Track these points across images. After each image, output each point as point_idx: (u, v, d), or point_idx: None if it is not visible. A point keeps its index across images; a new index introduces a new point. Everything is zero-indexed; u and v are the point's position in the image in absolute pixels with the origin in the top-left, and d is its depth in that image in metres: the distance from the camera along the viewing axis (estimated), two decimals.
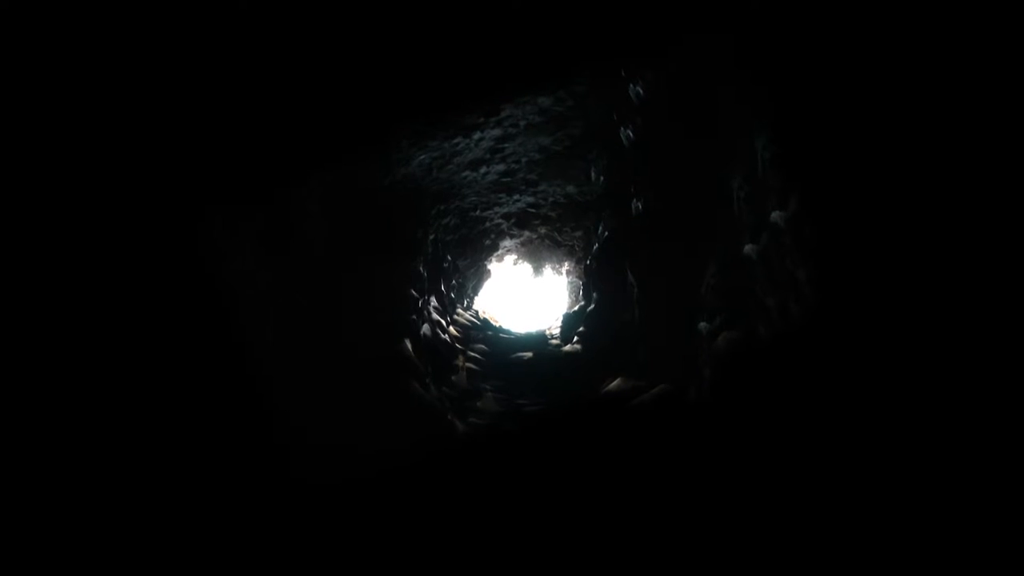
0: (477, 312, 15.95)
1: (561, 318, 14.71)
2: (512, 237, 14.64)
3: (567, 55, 6.80)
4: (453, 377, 8.60)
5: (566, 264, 16.78)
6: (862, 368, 3.59)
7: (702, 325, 5.55)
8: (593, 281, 11.45)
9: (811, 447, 3.82)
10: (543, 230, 14.18)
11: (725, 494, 4.00)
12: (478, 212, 12.33)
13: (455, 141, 8.63)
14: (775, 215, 4.72)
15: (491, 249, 15.18)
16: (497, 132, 8.75)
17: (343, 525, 4.30)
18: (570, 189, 11.62)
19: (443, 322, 10.21)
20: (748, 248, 5.12)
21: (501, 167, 10.15)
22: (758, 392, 4.31)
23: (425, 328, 8.66)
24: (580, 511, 4.31)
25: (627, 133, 8.04)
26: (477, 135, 8.71)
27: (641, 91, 7.54)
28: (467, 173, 9.87)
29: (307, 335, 5.20)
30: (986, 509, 2.51)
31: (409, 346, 6.95)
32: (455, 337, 10.72)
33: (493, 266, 17.12)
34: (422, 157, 8.72)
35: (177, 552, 3.58)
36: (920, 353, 3.15)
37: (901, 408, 3.22)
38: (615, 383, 7.63)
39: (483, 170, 9.99)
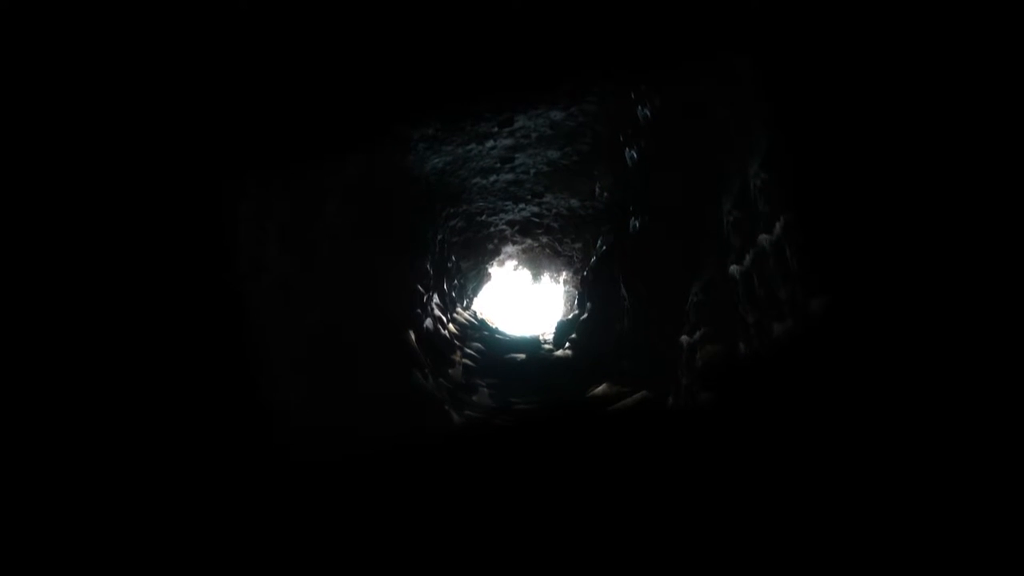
0: (475, 312, 16.16)
1: (555, 325, 14.93)
2: (514, 243, 14.85)
3: (581, 69, 7.06)
4: (450, 370, 8.84)
5: (564, 273, 16.94)
6: (836, 383, 3.81)
7: (683, 338, 5.84)
8: (588, 292, 11.68)
9: (777, 455, 4.06)
10: (545, 239, 14.40)
11: (691, 492, 4.26)
12: (484, 217, 12.54)
13: (468, 147, 8.84)
14: (762, 238, 4.99)
15: (493, 253, 15.38)
16: (509, 142, 8.93)
17: (342, 504, 4.45)
18: (573, 202, 11.84)
19: (444, 319, 10.46)
20: (733, 268, 5.40)
21: (510, 176, 10.36)
22: (730, 401, 4.58)
23: (428, 322, 8.91)
24: (562, 501, 4.55)
25: (631, 154, 8.32)
26: (490, 143, 8.91)
27: (648, 113, 7.78)
28: (477, 179, 10.10)
29: (322, 318, 5.46)
30: (954, 533, 2.53)
31: (413, 337, 7.22)
32: (453, 334, 10.96)
33: (494, 270, 17.28)
34: (436, 161, 8.96)
35: (181, 530, 3.68)
36: (893, 375, 3.32)
37: (867, 423, 3.43)
38: (601, 388, 7.90)
39: (492, 178, 10.22)
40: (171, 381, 4.02)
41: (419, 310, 8.45)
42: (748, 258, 5.19)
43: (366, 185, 6.67)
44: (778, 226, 4.86)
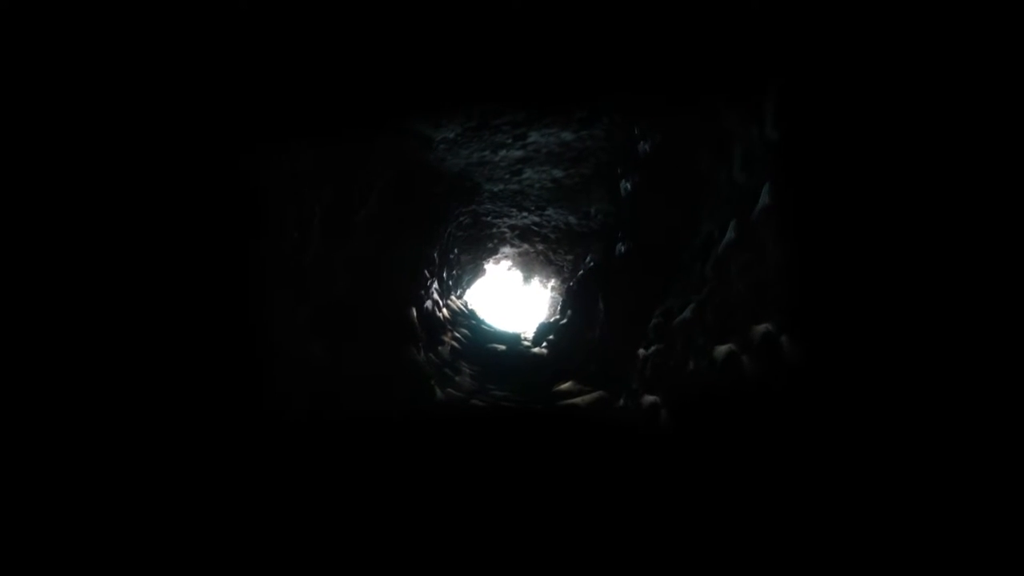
0: (466, 303, 16.54)
1: (536, 325, 15.31)
2: (512, 246, 15.29)
3: (597, 97, 7.44)
4: (439, 348, 9.38)
5: (553, 281, 17.29)
6: (764, 394, 4.14)
7: (640, 351, 6.47)
8: (571, 300, 12.04)
9: (701, 450, 4.61)
10: (540, 247, 14.87)
11: (628, 477, 4.82)
12: (490, 219, 12.96)
13: (483, 154, 9.18)
14: (724, 272, 5.53)
15: (492, 252, 15.79)
16: (520, 154, 9.25)
17: (328, 462, 4.64)
18: (571, 219, 12.29)
19: (440, 303, 10.94)
20: (693, 297, 6.00)
21: (516, 187, 10.78)
22: (665, 404, 5.18)
23: (428, 304, 9.44)
24: (519, 470, 5.00)
25: (626, 185, 8.85)
26: (503, 153, 9.21)
27: (648, 149, 8.20)
28: (489, 185, 10.54)
29: (347, 288, 5.96)
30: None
31: (414, 314, 7.77)
32: (446, 318, 11.44)
33: (490, 266, 17.62)
34: (454, 163, 9.40)
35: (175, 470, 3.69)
36: (816, 392, 3.54)
37: (787, 433, 3.72)
38: (566, 385, 8.47)
39: (501, 186, 10.66)
40: (214, 333, 4.29)
41: (422, 292, 8.98)
42: (706, 289, 5.78)
43: (402, 182, 7.21)
44: (736, 266, 5.43)
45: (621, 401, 6.49)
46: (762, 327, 4.69)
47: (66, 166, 3.38)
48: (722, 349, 5.27)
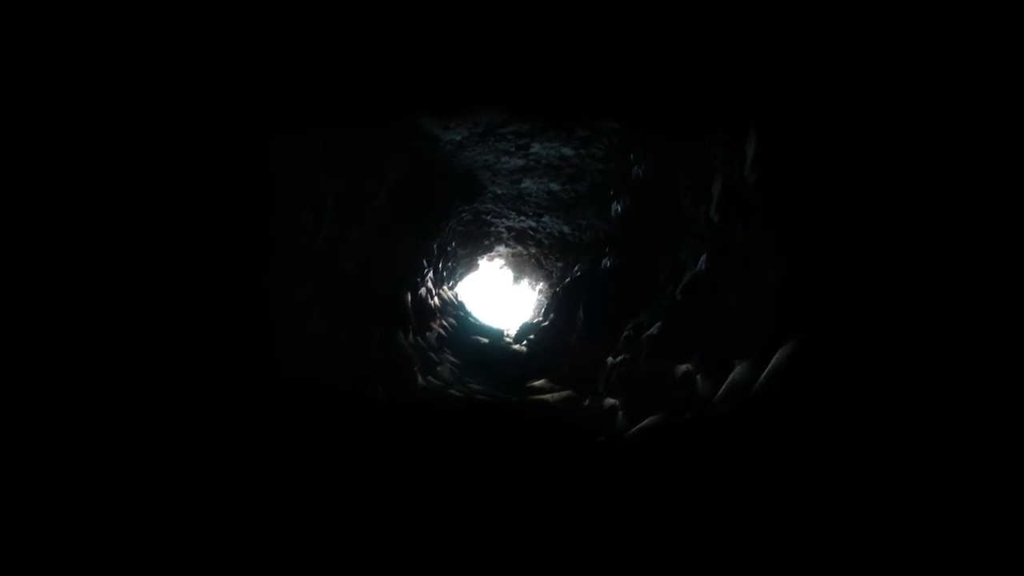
0: (457, 294, 16.81)
1: (520, 324, 15.70)
2: (508, 247, 15.68)
3: (598, 120, 7.71)
4: (427, 333, 9.78)
5: (541, 284, 17.66)
6: (717, 412, 4.40)
7: (609, 359, 6.95)
8: (555, 304, 12.50)
9: (655, 459, 5.03)
10: (533, 251, 15.26)
11: (583, 468, 5.25)
12: (489, 218, 13.35)
13: (487, 159, 9.47)
14: (692, 299, 6.02)
15: (487, 249, 16.11)
16: (521, 163, 9.54)
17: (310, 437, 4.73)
18: (565, 229, 12.70)
19: (433, 291, 11.31)
20: (660, 318, 6.47)
21: (516, 192, 11.17)
22: (624, 407, 5.63)
23: (422, 291, 9.83)
24: (488, 461, 5.24)
25: (616, 207, 9.25)
26: (505, 159, 9.49)
27: (641, 174, 8.52)
28: (492, 187, 10.97)
29: (354, 268, 6.33)
30: None
31: (409, 299, 8.15)
32: (436, 306, 11.82)
33: (483, 263, 17.92)
34: (459, 163, 9.73)
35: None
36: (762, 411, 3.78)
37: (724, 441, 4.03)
38: (540, 382, 8.92)
39: (503, 189, 11.07)
40: (222, 297, 4.46)
41: (418, 279, 9.37)
42: (674, 311, 6.25)
43: (412, 176, 7.59)
44: (702, 294, 5.89)
45: (586, 401, 6.96)
46: (719, 351, 5.11)
47: (100, 141, 3.52)
48: (681, 368, 5.72)
